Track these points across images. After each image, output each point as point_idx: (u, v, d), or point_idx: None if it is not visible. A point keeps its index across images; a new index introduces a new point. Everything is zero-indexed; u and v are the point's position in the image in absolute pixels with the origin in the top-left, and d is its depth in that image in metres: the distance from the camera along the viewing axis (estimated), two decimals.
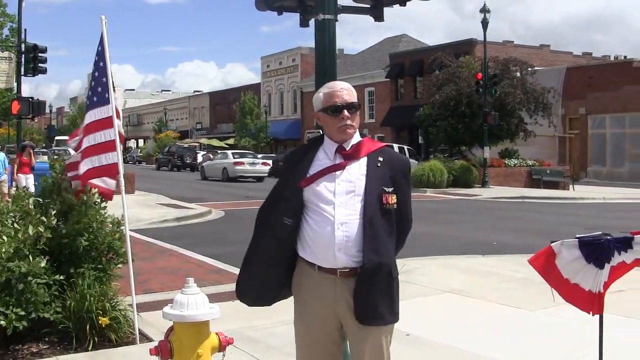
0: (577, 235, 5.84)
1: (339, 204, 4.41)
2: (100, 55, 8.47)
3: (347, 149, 4.56)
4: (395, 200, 4.49)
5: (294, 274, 4.64)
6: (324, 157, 4.58)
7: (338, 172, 4.49)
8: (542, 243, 6.24)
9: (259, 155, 58.89)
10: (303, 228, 4.51)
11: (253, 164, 50.29)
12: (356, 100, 4.62)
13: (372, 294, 4.39)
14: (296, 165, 4.62)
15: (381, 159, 4.56)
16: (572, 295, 5.89)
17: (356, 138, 4.65)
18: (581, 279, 5.76)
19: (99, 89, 8.40)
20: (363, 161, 4.55)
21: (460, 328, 9.02)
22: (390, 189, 4.48)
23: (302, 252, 4.54)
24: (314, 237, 4.46)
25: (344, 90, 4.61)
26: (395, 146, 51.92)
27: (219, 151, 65.18)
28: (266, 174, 49.55)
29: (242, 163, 49.63)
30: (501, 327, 9.10)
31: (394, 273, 4.51)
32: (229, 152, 55.85)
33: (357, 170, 4.51)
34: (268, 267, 4.61)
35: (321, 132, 4.75)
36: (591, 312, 5.81)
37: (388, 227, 4.48)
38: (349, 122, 4.55)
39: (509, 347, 8.14)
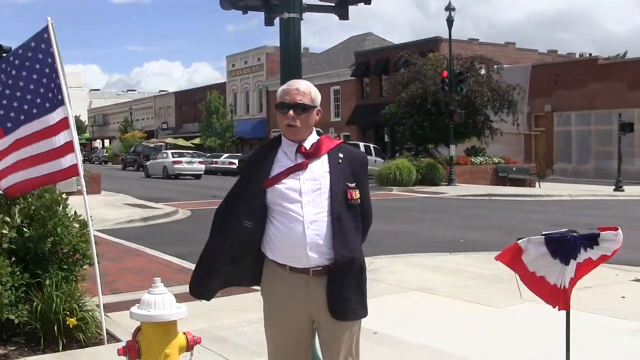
0: (544, 232, 5.88)
1: (306, 202, 4.41)
2: (49, 55, 8.24)
3: (308, 148, 4.56)
4: (358, 195, 4.52)
5: (263, 276, 4.62)
6: (284, 158, 4.56)
7: (301, 171, 4.48)
8: (509, 240, 6.28)
9: (225, 155, 63.82)
10: (269, 230, 4.50)
11: (190, 162, 55.19)
12: (309, 103, 4.55)
13: (346, 289, 4.41)
14: (257, 168, 4.60)
15: (341, 155, 4.58)
16: (538, 288, 5.95)
17: (314, 137, 4.64)
18: (546, 273, 5.81)
19: (49, 94, 8.17)
20: (324, 159, 4.55)
21: (428, 326, 9.05)
22: (353, 185, 4.51)
23: (271, 254, 4.51)
24: (283, 238, 4.44)
25: (299, 90, 4.55)
26: (361, 144, 52.13)
27: (163, 150, 68.37)
28: (202, 172, 55.08)
29: (181, 162, 54.62)
30: (469, 324, 9.14)
31: (364, 267, 4.55)
32: (169, 151, 61.21)
33: (320, 168, 4.51)
34: (232, 265, 4.63)
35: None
36: (557, 307, 5.86)
37: (354, 222, 4.51)
38: (292, 122, 4.50)
39: (477, 344, 8.18)
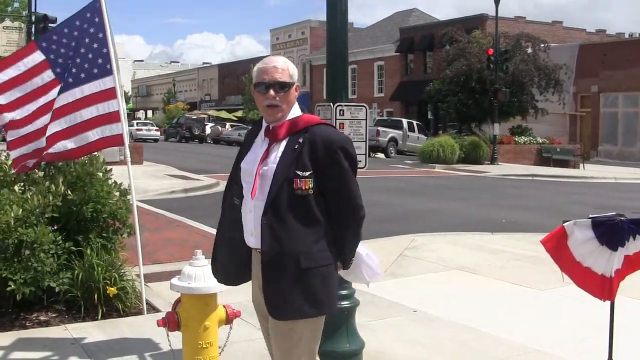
0: (591, 215, 5.76)
1: (256, 187, 4.28)
2: (99, 26, 8.29)
3: (271, 130, 4.38)
4: (310, 185, 4.21)
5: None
6: (259, 138, 4.47)
7: (262, 155, 4.34)
8: (552, 222, 6.19)
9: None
10: None
11: (149, 130, 70.84)
12: (288, 80, 4.33)
13: (274, 284, 4.22)
14: (244, 146, 4.58)
15: (301, 140, 4.27)
16: (583, 280, 5.81)
17: (293, 116, 4.40)
18: (593, 263, 5.67)
19: (98, 60, 8.22)
20: (283, 143, 4.32)
21: (468, 305, 8.99)
22: (307, 173, 4.20)
23: None
24: (242, 218, 4.44)
25: (277, 67, 4.34)
26: (404, 121, 52.02)
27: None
28: (158, 137, 70.90)
29: (141, 129, 69.98)
30: (509, 305, 9.06)
31: (304, 264, 4.19)
32: (135, 121, 78.00)
33: (275, 153, 4.31)
34: (231, 247, 4.54)
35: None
36: (602, 299, 5.75)
37: (302, 213, 4.21)
38: (273, 101, 4.31)
39: (517, 326, 8.09)
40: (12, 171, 8.22)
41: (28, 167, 8.12)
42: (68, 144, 7.98)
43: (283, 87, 4.31)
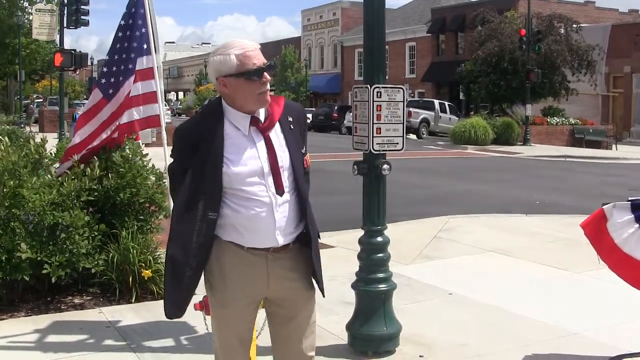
0: (630, 198, 5.69)
1: (270, 184, 3.97)
2: (140, 4, 8.25)
3: (263, 122, 4.05)
4: (309, 161, 4.21)
5: (210, 260, 4.07)
6: (235, 134, 4.02)
7: (261, 150, 4.00)
8: (586, 204, 6.12)
9: None
10: (225, 215, 3.99)
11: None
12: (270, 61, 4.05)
13: (319, 263, 4.20)
14: (207, 147, 3.98)
15: (290, 118, 4.13)
16: (621, 267, 5.73)
17: None
18: (633, 248, 5.59)
19: (143, 44, 8.19)
20: (277, 128, 4.09)
21: (504, 288, 8.93)
22: (304, 149, 4.16)
23: (227, 236, 4.04)
24: (245, 223, 3.99)
25: (258, 49, 4.00)
26: (436, 102, 51.99)
27: None
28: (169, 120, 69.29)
29: None
30: (545, 288, 8.99)
31: (319, 239, 4.31)
32: None
33: (277, 141, 4.05)
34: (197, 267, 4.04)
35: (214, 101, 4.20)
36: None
37: (308, 189, 4.18)
38: (268, 86, 4.04)
39: (552, 308, 8.02)
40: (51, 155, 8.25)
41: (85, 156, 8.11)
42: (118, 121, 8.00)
43: (271, 68, 4.03)
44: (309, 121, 52.62)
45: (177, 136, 4.10)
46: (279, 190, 3.98)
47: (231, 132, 4.00)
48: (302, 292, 4.19)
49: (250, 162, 3.96)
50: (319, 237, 4.27)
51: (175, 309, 4.11)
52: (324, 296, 4.25)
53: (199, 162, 3.97)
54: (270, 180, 3.96)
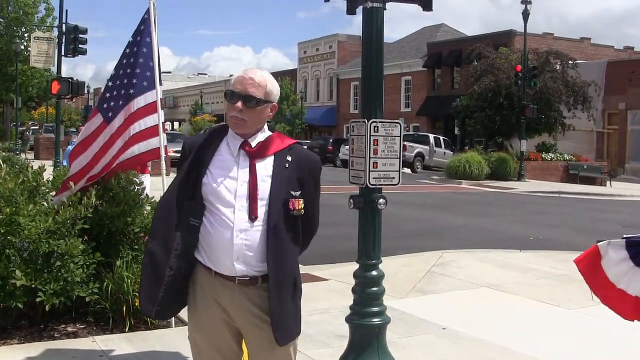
0: (625, 235, 5.70)
1: (239, 207, 4.01)
2: (148, 36, 8.29)
3: (253, 147, 4.13)
4: (302, 205, 4.10)
5: (191, 277, 4.19)
6: (226, 152, 4.15)
7: (241, 172, 4.07)
8: (579, 239, 6.15)
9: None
10: (200, 230, 4.11)
11: None
12: (261, 96, 4.09)
13: (279, 308, 4.04)
14: (200, 157, 4.15)
15: (290, 158, 4.15)
16: (615, 302, 5.73)
17: (264, 134, 4.23)
18: (627, 284, 5.58)
19: (147, 73, 8.22)
20: (269, 160, 4.12)
21: (496, 323, 8.94)
22: (298, 193, 4.10)
23: (198, 254, 4.13)
24: (210, 241, 4.05)
25: (254, 79, 4.10)
26: (431, 136, 52.03)
27: None
28: None
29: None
30: (539, 324, 8.99)
31: (298, 282, 4.19)
32: None
33: (263, 171, 4.08)
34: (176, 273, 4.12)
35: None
36: (634, 319, 5.66)
37: (293, 234, 4.12)
38: (239, 115, 4.06)
39: (545, 345, 8.04)
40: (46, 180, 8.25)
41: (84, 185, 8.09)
42: (120, 158, 8.01)
43: (251, 100, 4.06)
44: None
45: (182, 146, 4.27)
46: (252, 216, 4.01)
47: (224, 149, 4.15)
48: (269, 333, 4.08)
49: (228, 180, 4.05)
50: (296, 283, 4.17)
51: (148, 303, 4.16)
52: (278, 344, 4.09)
53: (188, 166, 4.13)
54: (242, 203, 4.01)
